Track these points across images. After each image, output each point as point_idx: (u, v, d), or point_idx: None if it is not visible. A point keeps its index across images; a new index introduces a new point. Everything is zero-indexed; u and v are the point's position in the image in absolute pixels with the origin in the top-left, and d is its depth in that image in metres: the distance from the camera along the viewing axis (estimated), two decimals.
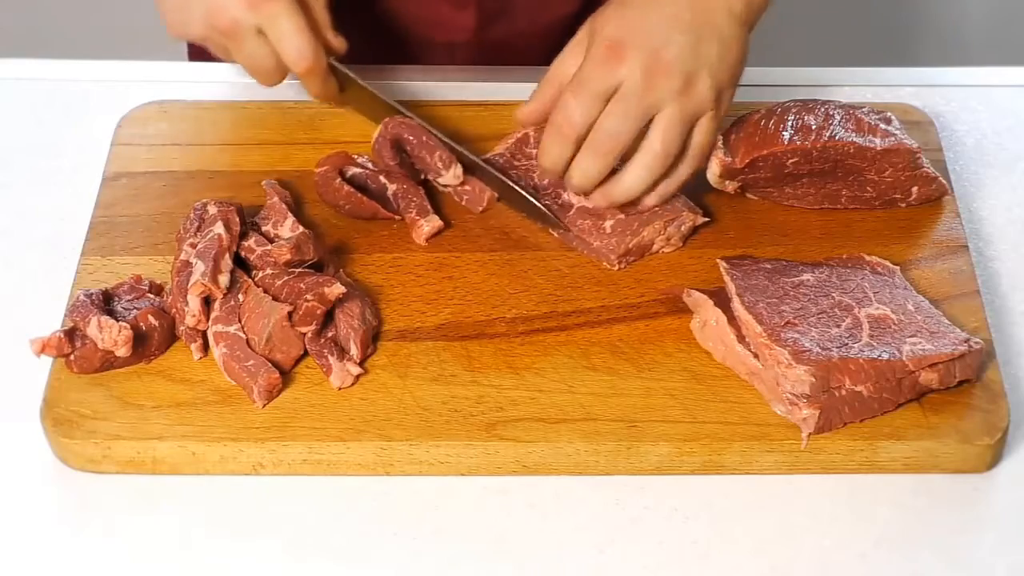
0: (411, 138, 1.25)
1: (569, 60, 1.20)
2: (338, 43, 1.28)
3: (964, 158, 1.33)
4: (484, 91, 1.37)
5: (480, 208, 1.24)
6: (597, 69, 1.17)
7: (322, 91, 1.28)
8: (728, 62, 1.18)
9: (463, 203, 1.25)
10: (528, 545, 1.06)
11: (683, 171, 1.20)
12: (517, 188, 1.23)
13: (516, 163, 1.26)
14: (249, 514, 1.08)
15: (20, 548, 1.06)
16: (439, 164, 1.24)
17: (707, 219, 1.23)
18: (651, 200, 1.21)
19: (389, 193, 1.23)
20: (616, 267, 1.20)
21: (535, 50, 1.49)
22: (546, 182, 1.25)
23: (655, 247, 1.21)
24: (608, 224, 1.21)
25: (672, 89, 1.16)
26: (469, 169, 1.25)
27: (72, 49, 1.49)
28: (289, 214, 1.20)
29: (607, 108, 1.17)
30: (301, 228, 1.19)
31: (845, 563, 1.06)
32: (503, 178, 1.23)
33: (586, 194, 1.21)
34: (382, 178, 1.24)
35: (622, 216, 1.21)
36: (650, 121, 1.17)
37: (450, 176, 1.24)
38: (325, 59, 1.25)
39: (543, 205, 1.22)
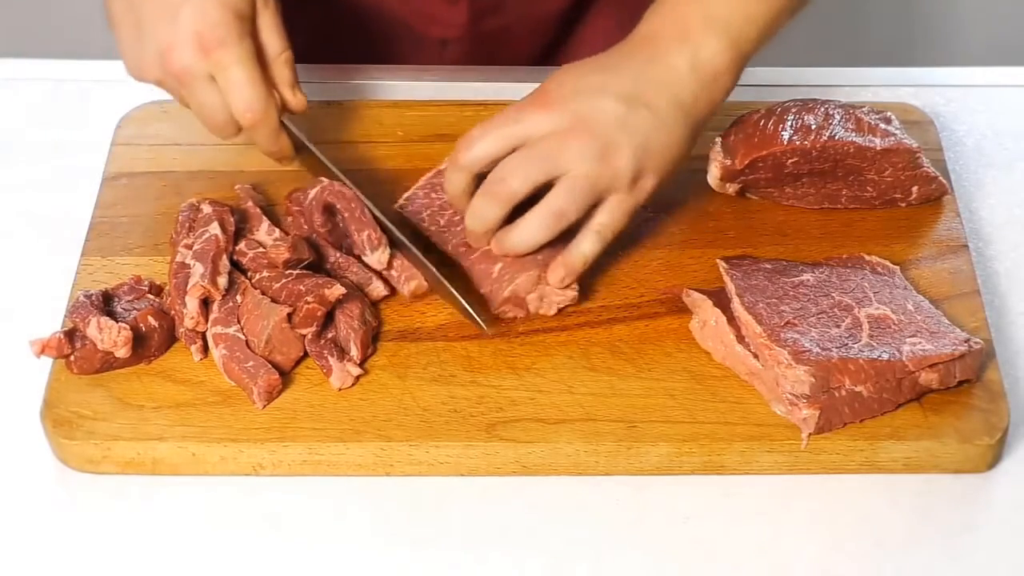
0: (343, 209, 1.18)
1: None
2: (298, 101, 1.21)
3: (964, 158, 1.33)
4: (483, 91, 1.37)
5: (407, 293, 1.17)
6: (513, 113, 1.13)
7: (271, 148, 1.21)
8: (658, 147, 1.12)
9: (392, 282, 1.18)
10: (528, 545, 1.06)
11: (586, 247, 1.14)
12: (444, 281, 1.15)
13: (433, 195, 1.22)
14: (249, 515, 1.08)
15: (20, 548, 1.06)
16: (366, 244, 1.16)
17: (575, 293, 1.16)
18: (555, 277, 1.14)
19: (327, 265, 1.18)
20: (505, 316, 1.16)
21: (527, 45, 1.49)
22: (457, 218, 1.19)
23: (531, 306, 1.16)
24: (496, 268, 1.16)
25: (585, 154, 1.10)
26: (400, 248, 1.17)
27: (72, 49, 1.49)
28: (264, 218, 1.20)
29: (512, 155, 1.12)
30: (277, 231, 1.18)
31: (845, 563, 1.06)
32: (433, 269, 1.16)
33: (477, 241, 1.17)
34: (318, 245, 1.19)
35: (508, 261, 1.16)
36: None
37: (375, 259, 1.16)
38: (276, 115, 1.19)
39: (468, 305, 1.14)
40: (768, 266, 1.17)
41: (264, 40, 1.19)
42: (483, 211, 1.14)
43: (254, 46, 1.17)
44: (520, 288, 1.15)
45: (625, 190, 1.13)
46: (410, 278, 1.17)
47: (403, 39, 1.48)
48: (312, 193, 1.19)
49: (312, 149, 1.23)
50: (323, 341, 1.13)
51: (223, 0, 1.15)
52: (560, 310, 1.17)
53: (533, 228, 1.13)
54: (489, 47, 1.47)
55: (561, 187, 1.12)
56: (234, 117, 1.18)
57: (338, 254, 1.18)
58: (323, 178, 1.20)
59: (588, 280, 1.18)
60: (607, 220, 1.14)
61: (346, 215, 1.18)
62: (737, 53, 1.15)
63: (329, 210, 1.19)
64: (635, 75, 1.13)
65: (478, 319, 1.14)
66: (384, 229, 1.18)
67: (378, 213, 1.19)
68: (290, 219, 1.21)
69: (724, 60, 1.14)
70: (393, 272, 1.17)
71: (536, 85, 1.17)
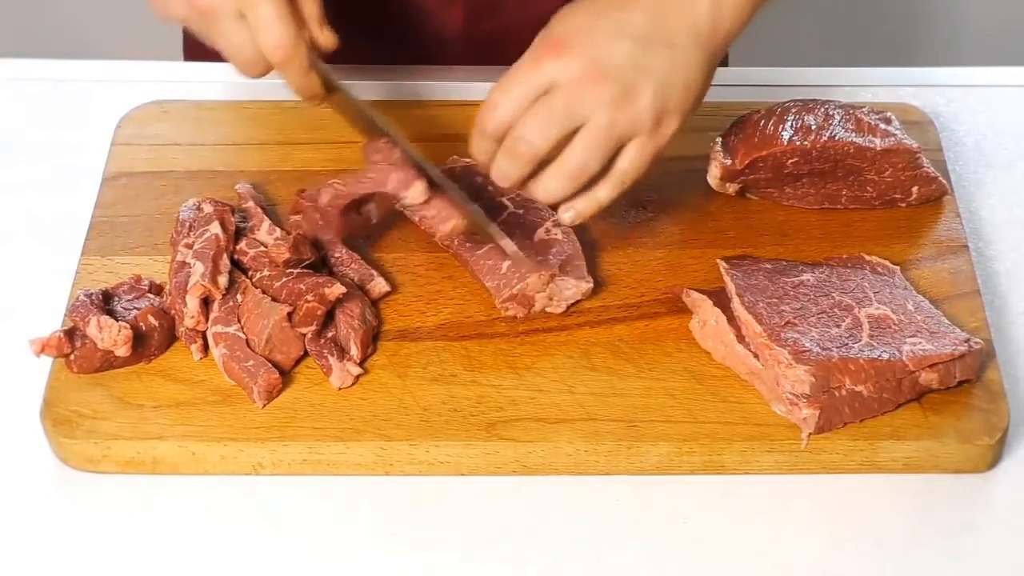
0: (382, 159, 1.16)
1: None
2: (326, 39, 1.18)
3: (964, 158, 1.33)
4: (483, 91, 1.36)
5: (444, 233, 1.17)
6: (529, 65, 1.12)
7: (301, 86, 1.18)
8: (678, 86, 1.10)
9: (426, 228, 1.18)
10: (528, 545, 1.06)
11: (602, 194, 1.13)
12: (485, 221, 1.15)
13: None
14: (249, 514, 1.08)
15: (20, 548, 1.06)
16: (401, 184, 1.15)
17: (589, 286, 1.17)
18: (566, 217, 1.14)
19: (328, 262, 1.19)
20: (506, 312, 1.16)
21: (525, 44, 1.48)
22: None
23: (539, 305, 1.16)
24: (504, 265, 1.17)
25: (604, 99, 1.08)
26: (437, 188, 1.16)
27: (72, 49, 1.49)
28: (265, 217, 1.20)
29: (529, 110, 1.11)
30: (278, 231, 1.18)
31: (845, 563, 1.06)
32: (475, 207, 1.16)
33: (506, 191, 1.17)
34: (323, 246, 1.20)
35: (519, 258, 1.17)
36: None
37: (412, 194, 1.14)
38: (306, 52, 1.15)
39: (510, 245, 1.14)
40: (768, 266, 1.17)
41: None
42: (508, 170, 1.12)
43: None
44: (530, 288, 1.15)
45: (647, 134, 1.11)
46: (447, 218, 1.15)
47: (402, 40, 1.47)
48: (328, 197, 1.17)
49: (344, 88, 1.20)
50: (323, 340, 1.13)
51: None
52: (569, 307, 1.17)
53: (555, 185, 1.12)
54: (488, 47, 1.47)
55: (579, 141, 1.10)
56: (263, 55, 1.15)
57: (343, 251, 1.18)
58: (333, 183, 1.19)
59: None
60: (627, 167, 1.12)
61: (376, 160, 1.16)
62: None
63: (355, 207, 1.18)
64: (651, 10, 1.11)
65: (525, 260, 1.14)
66: (422, 170, 1.16)
67: (415, 154, 1.17)
68: (296, 217, 1.20)
69: None
70: (431, 211, 1.16)
71: None
